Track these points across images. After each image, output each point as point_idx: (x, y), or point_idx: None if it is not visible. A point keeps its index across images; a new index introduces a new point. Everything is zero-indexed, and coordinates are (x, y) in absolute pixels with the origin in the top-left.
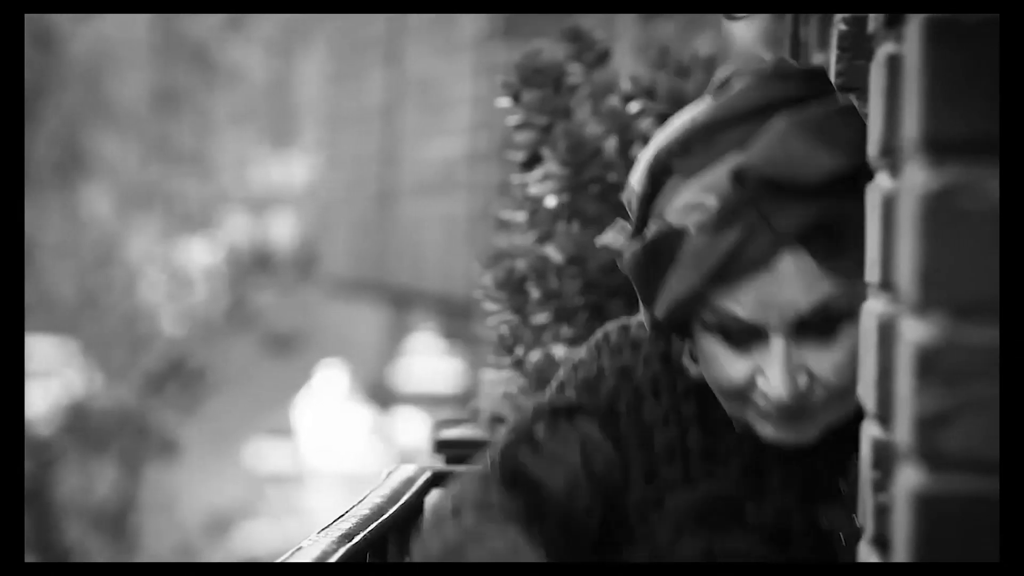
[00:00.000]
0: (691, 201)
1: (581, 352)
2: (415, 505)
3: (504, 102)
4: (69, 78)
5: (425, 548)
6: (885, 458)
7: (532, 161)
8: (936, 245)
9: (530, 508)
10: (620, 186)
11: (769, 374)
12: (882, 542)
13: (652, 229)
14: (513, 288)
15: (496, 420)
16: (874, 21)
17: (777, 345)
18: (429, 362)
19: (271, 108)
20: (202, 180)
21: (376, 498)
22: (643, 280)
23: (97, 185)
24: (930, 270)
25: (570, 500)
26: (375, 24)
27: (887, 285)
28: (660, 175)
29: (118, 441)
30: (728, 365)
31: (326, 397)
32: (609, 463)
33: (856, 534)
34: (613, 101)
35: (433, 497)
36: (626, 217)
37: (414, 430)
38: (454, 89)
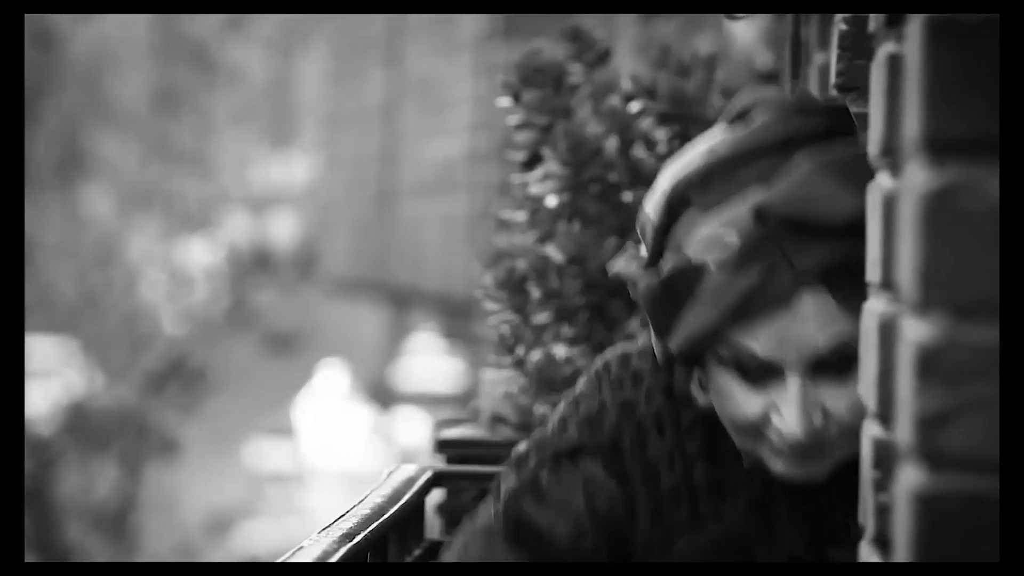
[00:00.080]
0: (711, 235)
1: (581, 385)
2: (416, 505)
3: (504, 102)
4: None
5: None
6: (886, 458)
7: (532, 161)
8: (936, 245)
9: (536, 559)
10: (621, 186)
11: (785, 412)
12: (883, 541)
13: (669, 262)
14: (514, 288)
15: (497, 420)
16: (875, 21)
17: (794, 383)
18: (430, 362)
19: (271, 108)
20: (202, 180)
21: (377, 498)
22: (658, 313)
23: (97, 185)
24: (930, 270)
25: (576, 545)
26: (375, 24)
27: (887, 285)
28: (678, 206)
29: (118, 441)
30: (742, 401)
31: (327, 397)
32: (613, 501)
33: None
34: (613, 101)
35: (434, 496)
36: (625, 219)
37: (415, 430)
38: (454, 89)
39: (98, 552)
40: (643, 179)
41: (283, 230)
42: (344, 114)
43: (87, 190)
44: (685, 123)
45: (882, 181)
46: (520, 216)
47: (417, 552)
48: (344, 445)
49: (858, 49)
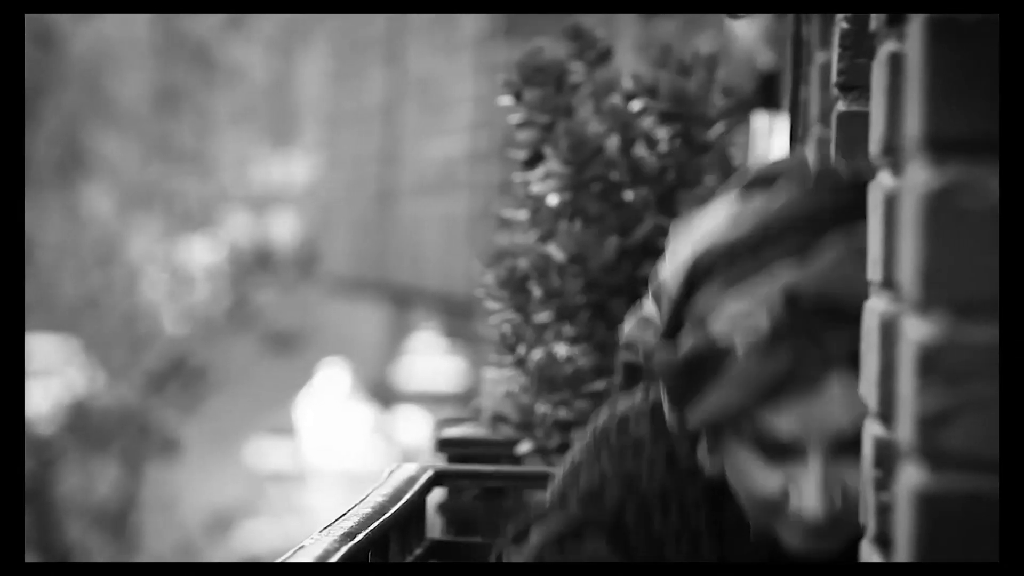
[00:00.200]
0: (738, 314)
1: (577, 452)
2: (417, 504)
3: (505, 101)
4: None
5: None
6: (886, 457)
7: (534, 160)
8: (937, 244)
9: None
10: (622, 185)
11: (805, 491)
12: (883, 541)
13: (691, 338)
14: (515, 287)
15: (498, 419)
16: (876, 20)
17: (816, 463)
18: (430, 361)
19: (271, 108)
20: (203, 179)
21: (378, 497)
22: (678, 388)
23: (98, 184)
24: (931, 269)
25: None
26: (375, 24)
27: (889, 284)
28: (700, 277)
29: (119, 440)
30: (761, 477)
31: (327, 396)
32: None
33: None
34: (615, 100)
35: (435, 495)
36: (627, 218)
37: (415, 429)
38: (455, 88)
39: (99, 552)
40: (644, 178)
41: (284, 229)
42: (344, 114)
43: (88, 189)
44: (686, 122)
45: (883, 180)
46: (521, 215)
47: (418, 551)
48: (345, 444)
49: (859, 48)
